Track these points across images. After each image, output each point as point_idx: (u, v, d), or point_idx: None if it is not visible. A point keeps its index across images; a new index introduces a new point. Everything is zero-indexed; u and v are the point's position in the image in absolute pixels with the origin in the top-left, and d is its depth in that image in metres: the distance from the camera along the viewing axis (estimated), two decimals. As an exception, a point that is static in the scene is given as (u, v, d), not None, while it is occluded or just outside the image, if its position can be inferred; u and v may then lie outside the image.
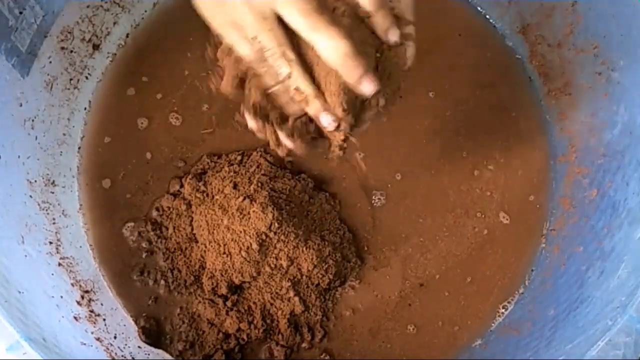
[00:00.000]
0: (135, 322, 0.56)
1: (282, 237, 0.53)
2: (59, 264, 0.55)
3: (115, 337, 0.54)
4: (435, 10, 0.63)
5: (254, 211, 0.53)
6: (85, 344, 0.50)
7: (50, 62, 0.56)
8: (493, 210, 0.60)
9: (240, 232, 0.53)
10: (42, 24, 0.54)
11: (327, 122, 0.41)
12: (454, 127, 0.61)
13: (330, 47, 0.38)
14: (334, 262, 0.56)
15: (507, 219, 0.60)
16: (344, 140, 0.43)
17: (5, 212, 0.51)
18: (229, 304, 0.55)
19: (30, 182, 0.55)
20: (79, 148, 0.60)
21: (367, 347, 0.57)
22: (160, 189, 0.58)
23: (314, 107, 0.41)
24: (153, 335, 0.56)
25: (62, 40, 0.57)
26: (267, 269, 0.54)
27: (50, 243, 0.55)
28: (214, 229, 0.55)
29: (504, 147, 0.61)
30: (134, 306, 0.57)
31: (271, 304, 0.55)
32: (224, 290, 0.54)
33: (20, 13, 0.51)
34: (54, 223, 0.56)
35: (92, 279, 0.57)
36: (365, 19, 0.41)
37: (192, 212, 0.57)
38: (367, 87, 0.39)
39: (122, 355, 0.53)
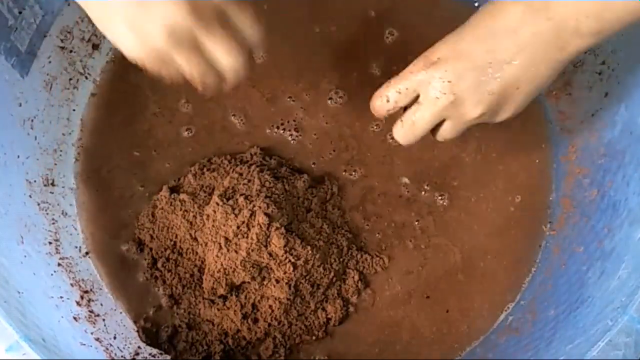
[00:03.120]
0: (135, 322, 0.56)
1: (282, 237, 0.53)
2: (59, 264, 0.54)
3: (114, 338, 0.54)
4: (433, 9, 0.63)
5: (253, 211, 0.53)
6: (84, 345, 0.50)
7: (50, 62, 0.56)
8: (493, 210, 0.60)
9: (240, 231, 0.53)
10: (42, 24, 0.54)
11: None
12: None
13: None
14: (335, 261, 0.56)
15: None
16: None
17: (5, 212, 0.51)
18: (228, 304, 0.55)
19: (30, 182, 0.55)
20: (79, 148, 0.60)
21: (367, 347, 0.57)
22: (160, 189, 0.58)
23: None
24: (153, 335, 0.56)
25: (62, 40, 0.57)
26: (267, 268, 0.54)
27: (50, 243, 0.55)
28: (213, 229, 0.54)
29: (503, 147, 0.61)
30: (134, 306, 0.57)
31: (271, 304, 0.54)
32: (223, 290, 0.54)
33: (20, 13, 0.51)
34: (53, 223, 0.56)
35: (91, 279, 0.56)
36: None
37: (192, 212, 0.56)
38: None
39: (122, 356, 0.53)
